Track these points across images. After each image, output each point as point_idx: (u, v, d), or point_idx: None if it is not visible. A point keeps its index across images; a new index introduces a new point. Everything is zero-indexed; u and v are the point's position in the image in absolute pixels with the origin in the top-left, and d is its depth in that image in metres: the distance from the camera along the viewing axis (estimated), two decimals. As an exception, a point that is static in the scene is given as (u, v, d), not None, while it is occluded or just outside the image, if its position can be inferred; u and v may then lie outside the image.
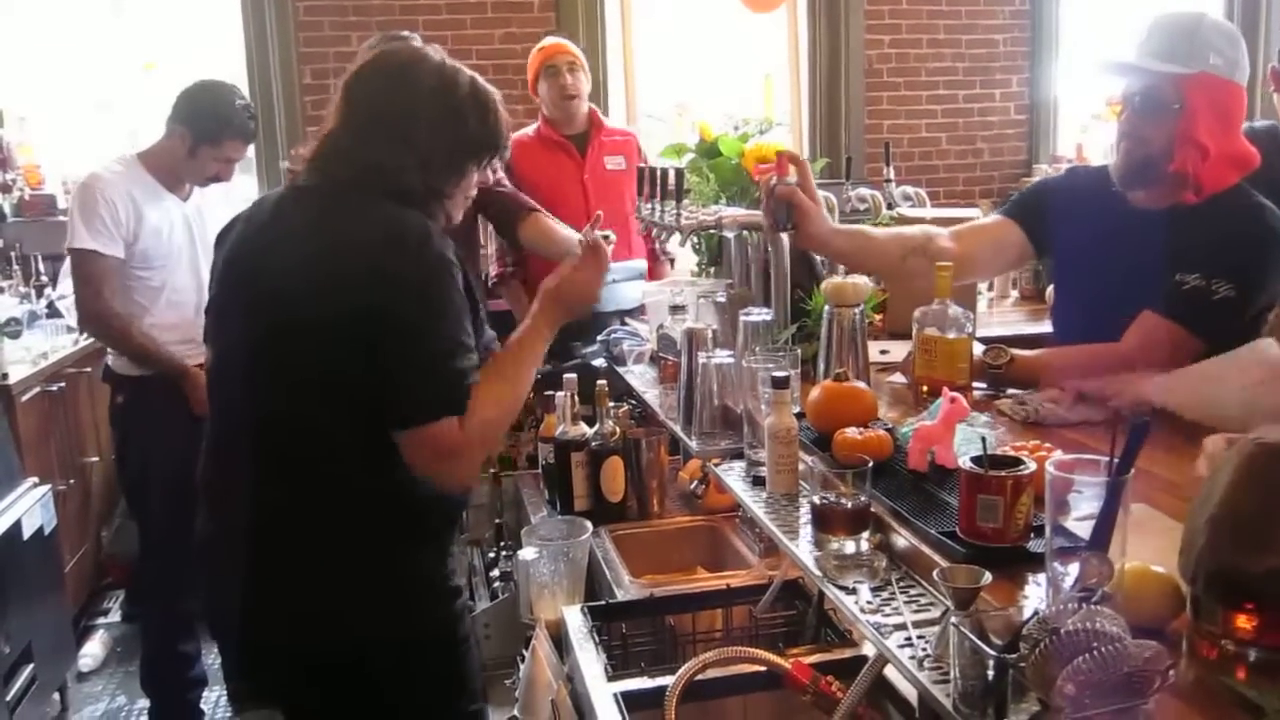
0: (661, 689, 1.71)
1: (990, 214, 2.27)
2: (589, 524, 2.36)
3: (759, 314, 1.95)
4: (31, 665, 2.83)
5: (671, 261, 3.69)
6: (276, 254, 1.62)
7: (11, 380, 3.26)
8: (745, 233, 2.31)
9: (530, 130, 3.66)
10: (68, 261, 2.91)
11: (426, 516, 1.66)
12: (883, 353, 2.32)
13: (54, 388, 3.50)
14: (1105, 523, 1.06)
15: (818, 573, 1.37)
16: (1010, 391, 1.94)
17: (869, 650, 1.78)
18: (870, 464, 1.38)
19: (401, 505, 1.60)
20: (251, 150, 4.71)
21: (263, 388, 1.59)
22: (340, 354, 1.52)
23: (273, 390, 1.58)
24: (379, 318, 1.50)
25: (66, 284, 3.00)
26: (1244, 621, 1.03)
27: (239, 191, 3.21)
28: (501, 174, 3.37)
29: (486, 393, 1.57)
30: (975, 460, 1.28)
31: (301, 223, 1.63)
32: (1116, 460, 1.09)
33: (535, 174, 3.54)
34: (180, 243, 2.94)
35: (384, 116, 1.63)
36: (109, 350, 3.01)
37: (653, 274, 3.57)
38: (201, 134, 2.89)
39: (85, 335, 3.45)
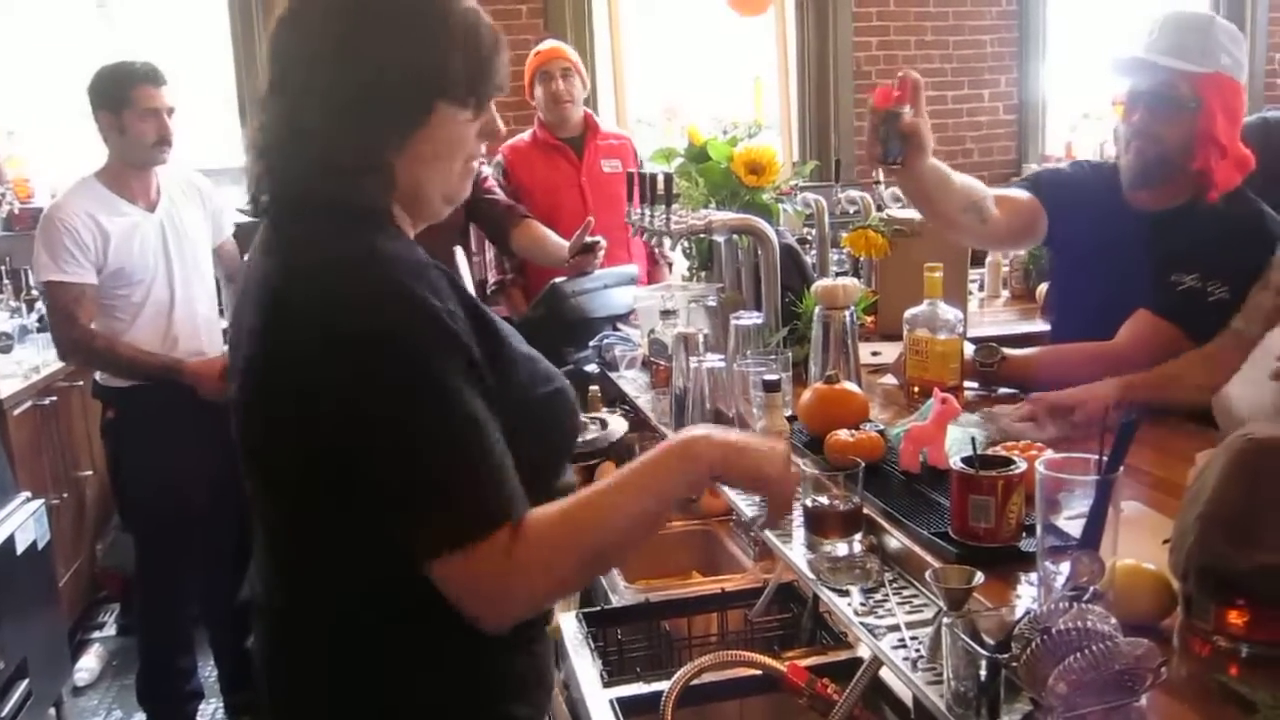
0: (657, 694, 1.71)
1: (1013, 187, 2.21)
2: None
3: (750, 317, 1.95)
4: (27, 680, 2.82)
5: (670, 265, 3.69)
6: (239, 338, 1.19)
7: (3, 395, 3.25)
8: (735, 237, 2.31)
9: (526, 135, 3.67)
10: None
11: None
12: (874, 354, 2.33)
13: (46, 402, 3.49)
14: (1096, 521, 1.06)
15: (811, 575, 1.37)
16: (985, 410, 1.92)
17: (864, 652, 1.78)
18: (862, 466, 1.38)
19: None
20: (240, 160, 4.75)
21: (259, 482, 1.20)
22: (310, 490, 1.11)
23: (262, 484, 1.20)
24: (347, 441, 1.05)
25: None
26: (1235, 617, 1.03)
27: (219, 199, 3.15)
28: (492, 181, 3.37)
29: (567, 515, 1.10)
30: (966, 460, 1.29)
31: (252, 290, 1.16)
32: (1105, 459, 1.09)
33: (532, 179, 3.54)
34: (154, 255, 2.88)
35: (311, 61, 1.12)
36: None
37: (651, 277, 3.58)
38: (111, 103, 2.80)
39: (71, 365, 3.41)
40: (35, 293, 4.06)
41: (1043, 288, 3.47)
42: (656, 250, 3.55)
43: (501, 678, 1.20)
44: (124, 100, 2.80)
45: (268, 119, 1.14)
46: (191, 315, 2.94)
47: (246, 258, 1.33)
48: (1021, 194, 2.14)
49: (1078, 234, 2.09)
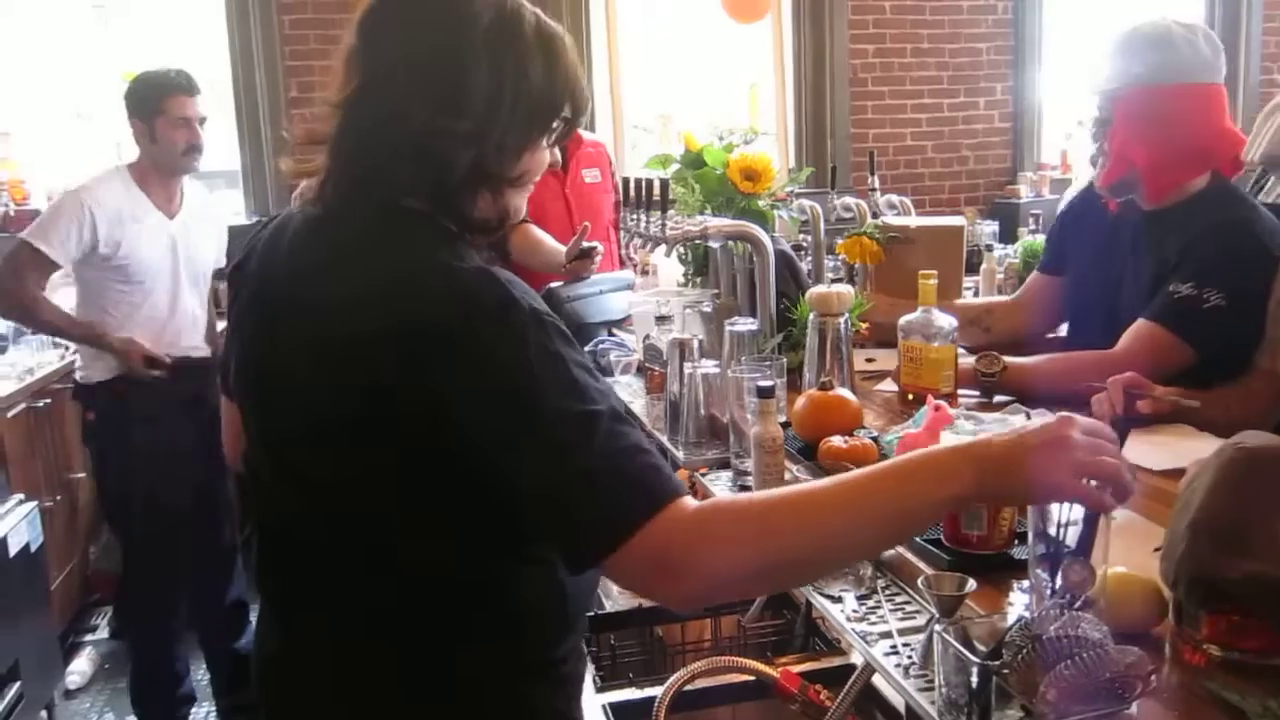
0: (650, 699, 1.72)
1: (1035, 274, 2.43)
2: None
3: (745, 323, 1.96)
4: (18, 683, 2.81)
5: (644, 270, 3.65)
6: (300, 324, 1.13)
7: (-4, 396, 3.25)
8: (730, 243, 2.32)
9: None
10: (53, 276, 2.88)
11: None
12: (869, 361, 2.33)
13: (40, 404, 3.48)
14: (1088, 529, 1.06)
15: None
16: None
17: (857, 659, 1.79)
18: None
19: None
20: (236, 163, 4.76)
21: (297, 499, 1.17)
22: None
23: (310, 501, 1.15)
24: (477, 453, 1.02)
25: (55, 299, 2.97)
26: (1225, 626, 1.04)
27: (224, 206, 3.19)
28: None
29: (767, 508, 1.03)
30: (959, 468, 1.29)
31: (318, 295, 1.11)
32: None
33: None
34: (163, 262, 2.91)
35: (419, 63, 1.10)
36: (77, 366, 2.99)
37: None
38: (145, 111, 2.86)
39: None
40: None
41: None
42: (625, 254, 3.51)
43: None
44: (157, 109, 2.86)
45: (364, 121, 1.11)
46: (184, 326, 2.97)
47: (255, 294, 1.23)
48: (1040, 281, 2.36)
49: (1085, 250, 2.20)
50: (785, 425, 1.75)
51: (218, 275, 3.15)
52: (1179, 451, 1.57)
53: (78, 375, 3.00)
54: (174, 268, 2.94)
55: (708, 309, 2.21)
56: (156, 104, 2.85)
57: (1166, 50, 1.96)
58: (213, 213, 3.13)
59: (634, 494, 0.99)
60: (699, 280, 2.66)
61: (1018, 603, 1.19)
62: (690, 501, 1.00)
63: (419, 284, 1.05)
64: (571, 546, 1.02)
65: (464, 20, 1.10)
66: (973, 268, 3.61)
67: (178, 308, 2.96)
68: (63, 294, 3.02)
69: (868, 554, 1.18)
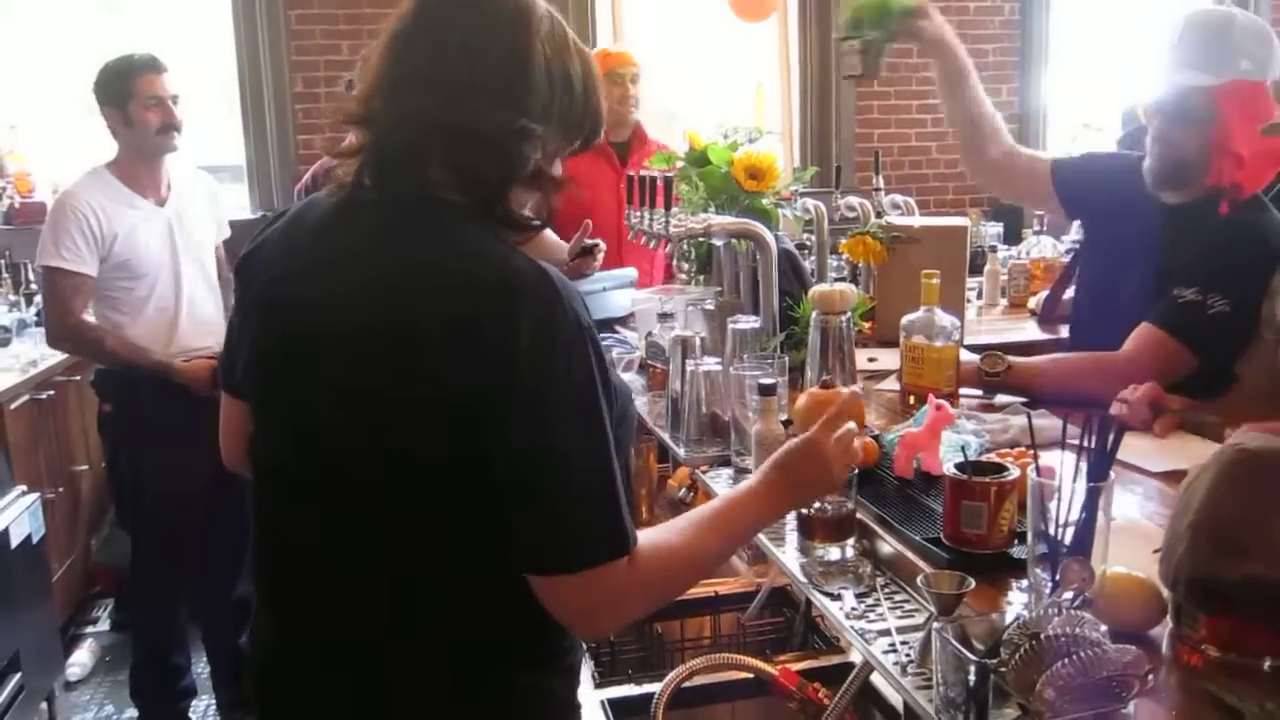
0: (649, 696, 1.72)
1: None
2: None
3: (747, 321, 1.96)
4: (19, 674, 2.82)
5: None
6: (334, 313, 1.11)
7: (0, 388, 3.25)
8: (734, 241, 2.32)
9: None
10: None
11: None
12: (871, 360, 2.33)
13: (43, 396, 3.49)
14: (1086, 528, 1.07)
15: (803, 579, 1.37)
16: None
17: (856, 657, 1.79)
18: (856, 471, 1.38)
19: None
20: (241, 158, 4.77)
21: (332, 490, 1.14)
22: (442, 485, 1.07)
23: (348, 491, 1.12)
24: (503, 433, 1.03)
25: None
26: (1224, 627, 1.04)
27: (224, 198, 3.18)
28: None
29: (673, 537, 1.15)
30: (959, 466, 1.29)
31: (355, 283, 1.10)
32: (1090, 464, 1.09)
33: (570, 174, 3.51)
34: (160, 250, 2.89)
35: (481, 55, 1.09)
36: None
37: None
38: (116, 97, 2.83)
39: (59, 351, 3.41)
40: (34, 286, 4.06)
41: (1038, 297, 3.48)
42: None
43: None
44: (127, 93, 2.82)
45: (413, 106, 1.10)
46: (195, 313, 2.95)
47: (274, 278, 1.20)
48: (1038, 155, 2.35)
49: (1105, 222, 2.16)
50: (786, 423, 1.75)
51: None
52: (1180, 453, 1.57)
53: (97, 365, 3.00)
54: (174, 255, 2.91)
55: (710, 306, 2.21)
56: (126, 86, 2.81)
57: (1265, 47, 1.90)
58: (198, 187, 3.07)
59: (608, 531, 1.05)
60: (702, 278, 2.66)
61: (1016, 602, 1.19)
62: (638, 548, 1.08)
63: (473, 276, 1.05)
64: (532, 551, 1.06)
65: (528, 21, 1.11)
66: (976, 269, 3.61)
67: (185, 296, 2.93)
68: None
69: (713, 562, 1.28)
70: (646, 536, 1.11)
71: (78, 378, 3.62)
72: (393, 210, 1.11)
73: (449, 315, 1.03)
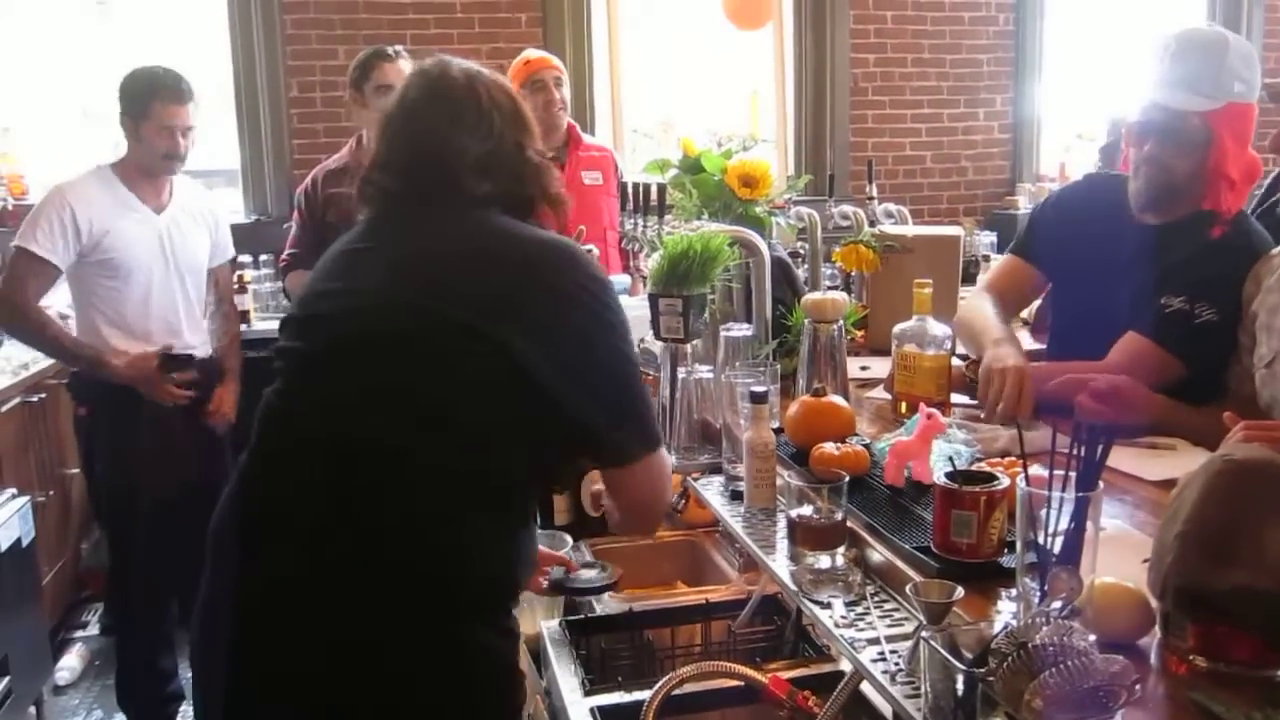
0: (639, 703, 1.72)
1: (1007, 256, 2.30)
2: (569, 538, 2.36)
3: (739, 329, 1.96)
4: (8, 678, 2.81)
5: (645, 279, 3.66)
6: (425, 270, 1.40)
7: (-9, 390, 3.25)
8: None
9: None
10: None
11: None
12: (863, 369, 2.33)
13: (34, 399, 3.48)
14: (1075, 538, 1.07)
15: (794, 587, 1.37)
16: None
17: (845, 665, 1.79)
18: (846, 479, 1.39)
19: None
20: (236, 162, 4.76)
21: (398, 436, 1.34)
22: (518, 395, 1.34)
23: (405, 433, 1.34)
24: (587, 349, 1.38)
25: (52, 296, 2.97)
26: (1211, 636, 1.04)
27: (223, 206, 3.20)
28: None
29: None
30: (950, 476, 1.29)
31: (450, 246, 1.43)
32: (1078, 474, 1.10)
33: None
34: (149, 256, 2.90)
35: (457, 111, 1.47)
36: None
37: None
38: (133, 110, 2.85)
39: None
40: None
41: (1033, 306, 3.48)
42: (633, 263, 3.52)
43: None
44: (144, 112, 2.86)
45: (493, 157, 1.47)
46: (170, 325, 2.96)
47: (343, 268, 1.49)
48: (1014, 267, 2.23)
49: (1078, 246, 2.08)
50: (778, 431, 1.75)
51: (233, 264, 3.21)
52: (1175, 463, 1.57)
53: (75, 371, 2.99)
54: (163, 262, 2.92)
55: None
56: (145, 106, 2.84)
57: (1253, 71, 1.88)
58: (205, 209, 3.09)
59: (655, 424, 1.48)
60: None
61: (1005, 611, 1.19)
62: None
63: (549, 253, 1.41)
64: (615, 447, 1.41)
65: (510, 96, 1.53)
66: (969, 278, 3.61)
67: (167, 303, 2.94)
68: (57, 292, 3.01)
69: None
70: None
71: (68, 381, 3.62)
72: (452, 212, 1.46)
73: (541, 282, 1.39)
